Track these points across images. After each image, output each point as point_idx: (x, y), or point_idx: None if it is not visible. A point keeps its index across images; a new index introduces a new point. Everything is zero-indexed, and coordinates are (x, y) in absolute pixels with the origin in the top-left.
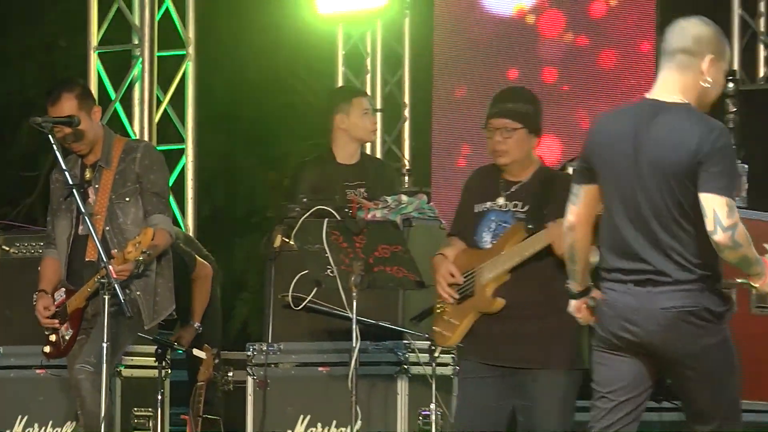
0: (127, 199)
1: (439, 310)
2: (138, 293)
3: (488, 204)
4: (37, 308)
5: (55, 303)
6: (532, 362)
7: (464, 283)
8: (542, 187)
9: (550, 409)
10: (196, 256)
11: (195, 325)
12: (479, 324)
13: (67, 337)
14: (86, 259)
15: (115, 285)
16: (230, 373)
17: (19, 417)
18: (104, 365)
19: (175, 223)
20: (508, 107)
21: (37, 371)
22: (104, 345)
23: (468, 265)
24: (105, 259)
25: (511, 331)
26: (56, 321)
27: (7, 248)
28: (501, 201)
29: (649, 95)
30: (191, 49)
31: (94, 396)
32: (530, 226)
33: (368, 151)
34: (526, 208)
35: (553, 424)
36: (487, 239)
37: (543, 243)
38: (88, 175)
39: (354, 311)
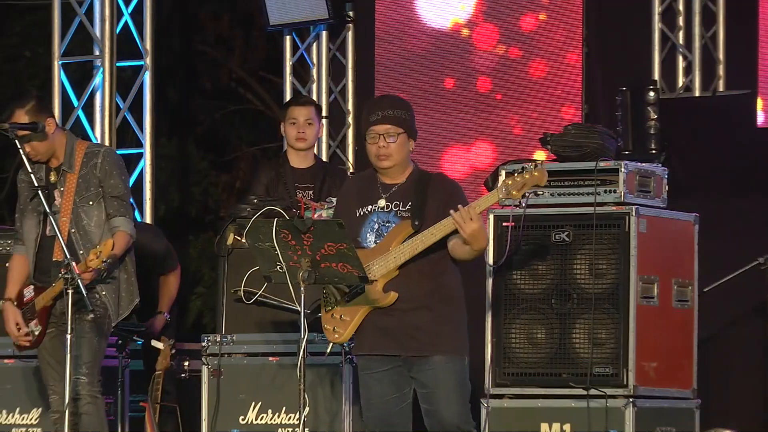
0: (91, 202)
1: (328, 309)
2: (104, 293)
3: (370, 207)
4: (9, 328)
5: (25, 299)
6: (425, 350)
7: None
8: (419, 187)
9: (450, 393)
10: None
11: (165, 316)
12: (371, 318)
13: (36, 333)
14: (54, 259)
15: (78, 281)
16: (186, 363)
17: None
18: (68, 356)
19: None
20: (389, 114)
21: (6, 361)
22: (68, 336)
23: None
24: (68, 257)
25: (402, 322)
26: (28, 340)
27: None
28: (382, 203)
29: None
30: (149, 60)
31: (93, 421)
32: (416, 223)
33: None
34: (408, 207)
35: (454, 406)
36: (371, 239)
37: (432, 240)
38: (53, 178)
39: (302, 305)
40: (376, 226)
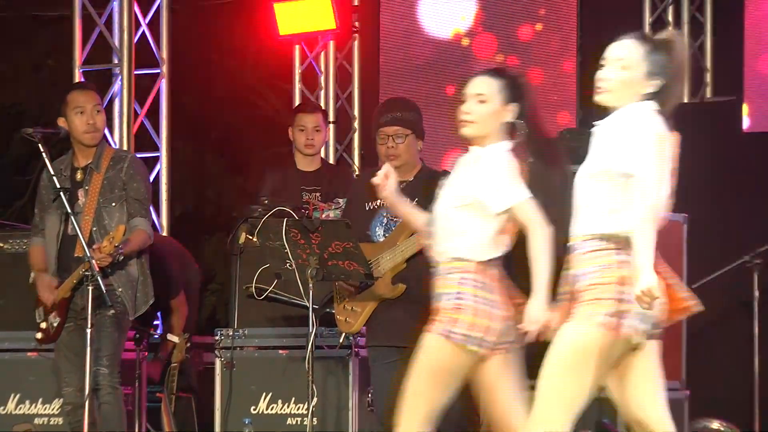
0: (113, 204)
1: (339, 300)
2: (120, 289)
3: (379, 202)
4: (41, 291)
5: None
6: None
7: None
8: (426, 185)
9: None
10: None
11: (185, 336)
12: (380, 310)
13: (55, 324)
14: (75, 255)
15: (98, 277)
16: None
17: (12, 395)
18: (88, 348)
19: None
20: (398, 116)
21: (29, 354)
22: (88, 331)
23: None
24: (89, 255)
25: (410, 314)
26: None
27: (2, 244)
28: None
29: None
30: (165, 68)
31: (113, 411)
32: None
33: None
34: (415, 203)
35: (459, 394)
36: (379, 233)
37: None
38: (79, 176)
39: (311, 301)
40: (385, 220)
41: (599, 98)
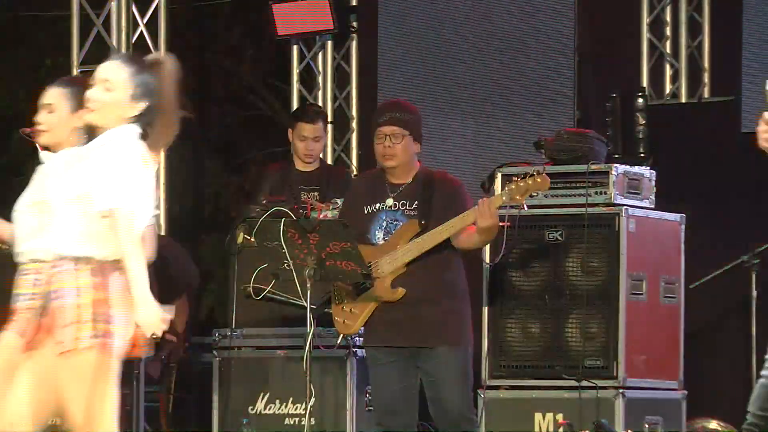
0: None
1: (337, 301)
2: None
3: (377, 205)
4: None
5: None
6: (431, 341)
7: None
8: (424, 187)
9: (453, 382)
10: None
11: (184, 336)
12: (379, 312)
13: None
14: None
15: None
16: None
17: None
18: None
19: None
20: (396, 116)
21: None
22: None
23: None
24: None
25: (409, 315)
26: None
27: None
28: (390, 202)
29: None
30: None
31: None
32: (423, 222)
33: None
34: (414, 206)
35: (457, 395)
36: (379, 236)
37: (440, 238)
38: None
39: (308, 300)
40: (385, 224)
41: (87, 117)
